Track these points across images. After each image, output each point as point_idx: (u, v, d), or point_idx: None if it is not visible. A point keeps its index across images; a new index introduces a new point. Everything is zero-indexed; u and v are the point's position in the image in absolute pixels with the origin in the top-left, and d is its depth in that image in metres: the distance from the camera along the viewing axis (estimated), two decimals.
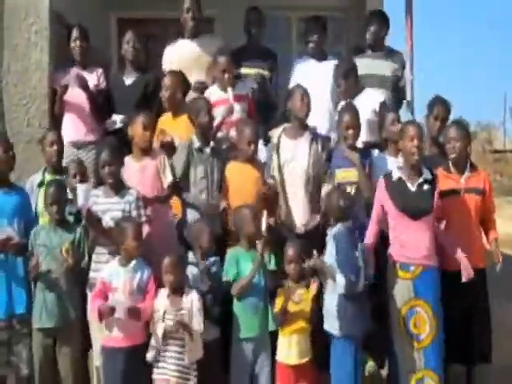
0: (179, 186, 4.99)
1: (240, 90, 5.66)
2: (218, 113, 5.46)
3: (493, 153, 11.60)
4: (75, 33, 5.68)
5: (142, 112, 5.00)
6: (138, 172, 4.90)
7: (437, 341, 4.55)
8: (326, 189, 4.96)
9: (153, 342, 4.37)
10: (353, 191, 4.94)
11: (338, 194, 4.69)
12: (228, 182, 5.02)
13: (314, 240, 4.81)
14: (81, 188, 4.53)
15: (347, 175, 4.99)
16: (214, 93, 5.64)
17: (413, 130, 4.64)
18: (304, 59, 6.08)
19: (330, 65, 5.87)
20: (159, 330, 4.31)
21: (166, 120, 5.44)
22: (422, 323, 4.55)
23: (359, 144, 5.21)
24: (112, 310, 4.25)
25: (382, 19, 6.18)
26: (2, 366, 4.60)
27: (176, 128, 5.30)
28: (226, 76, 5.55)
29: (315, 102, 5.24)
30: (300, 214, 5.05)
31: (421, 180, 4.63)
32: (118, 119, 5.53)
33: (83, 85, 5.53)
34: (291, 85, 5.70)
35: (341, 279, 4.43)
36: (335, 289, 4.47)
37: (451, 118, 5.39)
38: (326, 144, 5.18)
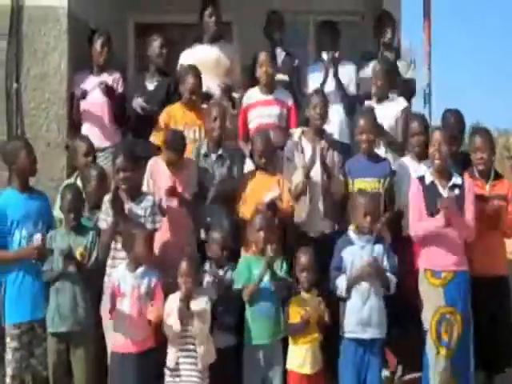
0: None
1: (282, 95, 5.72)
2: (256, 114, 5.57)
3: (510, 159, 11.62)
4: (101, 38, 5.73)
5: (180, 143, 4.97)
6: (168, 178, 4.95)
7: (464, 348, 4.58)
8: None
9: (170, 349, 4.41)
10: None
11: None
12: (245, 190, 5.07)
13: (328, 244, 4.83)
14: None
15: (364, 185, 4.99)
16: (252, 94, 5.69)
17: (436, 135, 4.72)
18: (317, 65, 6.07)
19: (344, 69, 5.90)
20: (174, 324, 4.34)
21: (176, 108, 5.46)
22: (452, 331, 4.56)
23: (381, 152, 5.24)
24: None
25: (392, 22, 6.24)
26: (22, 369, 4.64)
27: (186, 117, 5.36)
28: (264, 70, 5.58)
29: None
30: (318, 218, 5.09)
31: (451, 184, 4.67)
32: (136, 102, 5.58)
33: (110, 94, 5.58)
34: (308, 90, 5.73)
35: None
36: (365, 293, 4.52)
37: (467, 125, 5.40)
38: (341, 150, 5.20)
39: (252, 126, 5.64)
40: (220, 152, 5.17)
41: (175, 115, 5.41)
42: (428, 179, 4.71)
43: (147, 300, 4.41)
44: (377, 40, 6.22)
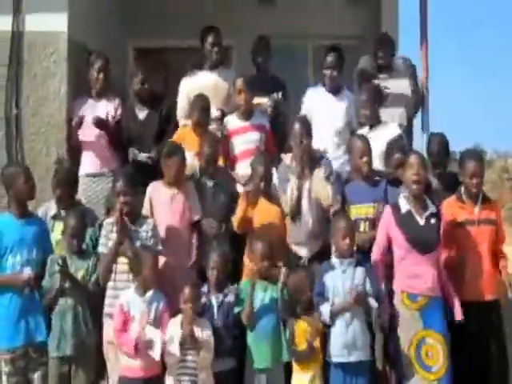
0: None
1: (258, 119, 5.71)
2: (237, 142, 5.57)
3: (509, 180, 11.62)
4: (98, 63, 5.70)
5: (179, 150, 5.01)
6: (168, 200, 4.97)
7: (450, 371, 4.54)
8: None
9: (168, 377, 4.39)
10: (367, 228, 4.92)
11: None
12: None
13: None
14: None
15: (360, 211, 4.98)
16: (231, 122, 5.69)
17: (413, 159, 4.68)
18: (318, 88, 6.07)
19: (342, 99, 5.92)
20: (174, 350, 4.33)
21: (187, 132, 5.50)
22: (435, 354, 4.53)
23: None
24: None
25: (390, 41, 6.33)
26: None
27: (195, 143, 5.36)
28: (243, 97, 5.58)
29: (322, 132, 5.43)
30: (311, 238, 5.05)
31: (428, 213, 4.65)
32: (140, 156, 5.54)
33: (102, 127, 5.56)
34: (302, 112, 5.78)
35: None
36: (349, 317, 4.51)
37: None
38: (329, 168, 5.18)
39: (235, 152, 5.61)
40: (216, 180, 5.18)
41: (185, 138, 5.40)
42: (404, 208, 4.67)
43: (156, 325, 4.40)
44: (375, 62, 6.25)
